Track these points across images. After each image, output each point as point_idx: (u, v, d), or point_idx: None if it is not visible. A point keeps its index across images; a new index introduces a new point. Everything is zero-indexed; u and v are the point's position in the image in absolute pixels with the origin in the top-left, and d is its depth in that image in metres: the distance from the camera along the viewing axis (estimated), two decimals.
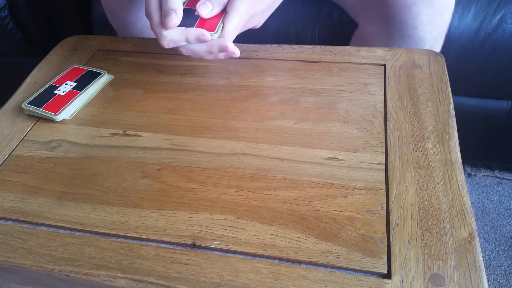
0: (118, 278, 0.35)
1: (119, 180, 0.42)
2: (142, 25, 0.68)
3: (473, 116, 0.89)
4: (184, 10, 0.47)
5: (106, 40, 0.62)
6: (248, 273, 0.34)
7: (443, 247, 0.34)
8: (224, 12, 0.47)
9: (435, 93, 0.48)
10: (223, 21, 0.46)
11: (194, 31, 0.45)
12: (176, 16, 0.44)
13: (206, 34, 0.45)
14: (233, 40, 0.47)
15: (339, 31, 0.76)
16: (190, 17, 0.47)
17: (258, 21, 0.51)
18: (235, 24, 0.46)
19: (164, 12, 0.45)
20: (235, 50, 0.47)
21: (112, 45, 0.61)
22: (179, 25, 0.46)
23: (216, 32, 0.46)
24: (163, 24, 0.45)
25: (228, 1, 0.46)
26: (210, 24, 0.46)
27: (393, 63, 0.52)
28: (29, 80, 0.56)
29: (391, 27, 0.61)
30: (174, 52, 0.58)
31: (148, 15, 0.47)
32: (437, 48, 0.64)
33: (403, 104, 0.47)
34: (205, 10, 0.46)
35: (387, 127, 0.45)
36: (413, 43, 0.61)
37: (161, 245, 0.37)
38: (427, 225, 0.36)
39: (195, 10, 0.47)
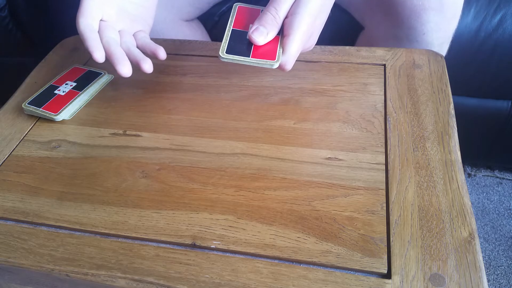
0: (118, 278, 0.35)
1: (119, 180, 0.42)
2: None
3: (473, 116, 0.89)
4: (233, 32, 0.43)
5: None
6: (248, 273, 0.34)
7: (443, 247, 0.34)
8: (279, 35, 0.43)
9: (435, 93, 0.48)
10: (281, 45, 0.41)
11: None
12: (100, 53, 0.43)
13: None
14: (292, 65, 0.43)
15: (340, 33, 0.76)
16: (241, 41, 0.42)
17: (315, 41, 0.46)
18: (297, 47, 0.41)
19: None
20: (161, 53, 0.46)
21: None
22: (232, 52, 0.41)
23: (278, 60, 0.41)
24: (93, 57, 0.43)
25: (284, 22, 0.42)
26: (267, 51, 0.41)
27: (393, 63, 0.52)
28: (29, 80, 0.56)
29: (399, 32, 0.61)
30: (174, 52, 0.58)
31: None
32: (443, 52, 0.64)
33: (403, 104, 0.47)
34: (260, 37, 0.41)
35: (387, 127, 0.45)
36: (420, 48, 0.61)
37: (161, 245, 0.37)
38: (427, 225, 0.36)
39: (245, 33, 0.43)
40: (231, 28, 0.44)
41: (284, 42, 0.42)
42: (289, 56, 0.42)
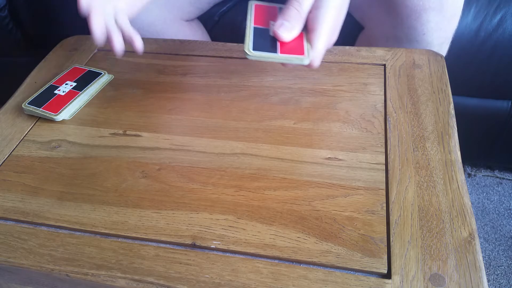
0: (118, 278, 0.35)
1: (119, 180, 0.42)
2: (138, 27, 0.68)
3: (473, 116, 0.89)
4: (255, 29, 0.42)
5: (106, 40, 0.62)
6: (248, 273, 0.34)
7: (443, 247, 0.34)
8: (303, 30, 0.41)
9: (435, 93, 0.48)
10: (307, 40, 0.40)
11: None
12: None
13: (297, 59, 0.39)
14: (321, 61, 0.41)
15: (340, 33, 0.76)
16: (265, 38, 0.40)
17: (337, 36, 0.44)
18: (325, 42, 0.39)
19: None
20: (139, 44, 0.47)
21: None
22: (259, 49, 0.39)
23: (308, 56, 0.39)
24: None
25: (308, 16, 0.40)
26: (294, 47, 0.39)
27: (393, 63, 0.52)
28: (29, 80, 0.56)
29: (399, 32, 0.61)
30: (174, 52, 0.58)
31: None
32: (443, 52, 0.64)
33: (403, 104, 0.47)
34: (285, 33, 0.40)
35: (387, 127, 0.45)
36: (420, 48, 0.61)
37: (161, 245, 0.37)
38: (427, 225, 0.36)
39: (267, 30, 0.41)
40: (252, 25, 0.42)
41: (310, 37, 0.40)
42: (317, 52, 0.40)
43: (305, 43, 0.40)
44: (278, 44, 0.40)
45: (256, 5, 0.45)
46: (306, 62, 0.39)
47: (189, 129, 0.47)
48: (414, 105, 0.47)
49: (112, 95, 0.52)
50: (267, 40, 0.40)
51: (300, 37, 0.41)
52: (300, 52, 0.39)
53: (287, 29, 0.40)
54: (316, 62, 0.40)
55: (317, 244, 0.35)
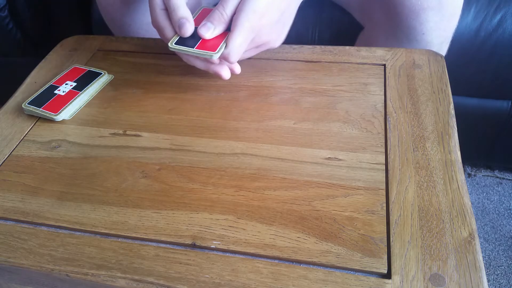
0: (118, 278, 0.35)
1: (119, 180, 0.42)
2: (137, 27, 0.68)
3: (473, 116, 0.89)
4: None
5: (106, 40, 0.62)
6: (248, 273, 0.34)
7: (443, 247, 0.34)
8: (228, 31, 0.46)
9: (435, 93, 0.48)
10: (226, 41, 0.45)
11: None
12: (190, 25, 0.45)
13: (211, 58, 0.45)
14: (238, 58, 0.46)
15: (340, 33, 0.76)
16: (193, 36, 0.46)
17: (268, 37, 0.49)
18: (240, 42, 0.45)
19: (176, 23, 0.45)
20: (235, 68, 0.49)
21: (112, 45, 0.61)
22: (180, 44, 0.46)
23: (217, 52, 0.45)
24: (179, 34, 0.46)
25: (232, 19, 0.45)
26: (213, 45, 0.45)
27: (393, 63, 0.52)
28: (29, 80, 0.56)
29: (398, 32, 0.61)
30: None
31: (158, 27, 0.47)
32: (443, 52, 0.64)
33: (403, 104, 0.47)
34: (207, 32, 0.45)
35: (387, 127, 0.45)
36: (420, 48, 0.61)
37: (161, 245, 0.37)
38: (427, 225, 0.36)
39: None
40: None
41: (228, 37, 0.45)
42: (231, 48, 0.45)
43: (222, 42, 0.46)
44: (200, 42, 0.46)
45: (203, 9, 0.50)
46: (213, 57, 0.45)
47: (189, 129, 0.47)
48: (414, 105, 0.47)
49: (112, 95, 0.53)
50: (193, 38, 0.46)
51: (222, 36, 0.46)
52: (213, 49, 0.45)
53: (209, 29, 0.45)
54: (232, 58, 0.45)
55: (317, 244, 0.35)
